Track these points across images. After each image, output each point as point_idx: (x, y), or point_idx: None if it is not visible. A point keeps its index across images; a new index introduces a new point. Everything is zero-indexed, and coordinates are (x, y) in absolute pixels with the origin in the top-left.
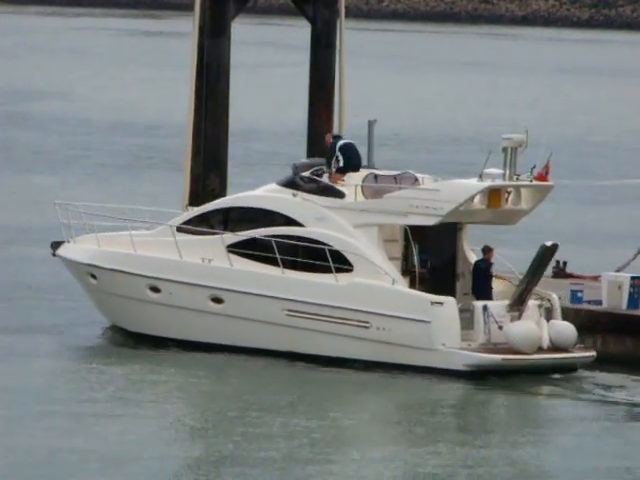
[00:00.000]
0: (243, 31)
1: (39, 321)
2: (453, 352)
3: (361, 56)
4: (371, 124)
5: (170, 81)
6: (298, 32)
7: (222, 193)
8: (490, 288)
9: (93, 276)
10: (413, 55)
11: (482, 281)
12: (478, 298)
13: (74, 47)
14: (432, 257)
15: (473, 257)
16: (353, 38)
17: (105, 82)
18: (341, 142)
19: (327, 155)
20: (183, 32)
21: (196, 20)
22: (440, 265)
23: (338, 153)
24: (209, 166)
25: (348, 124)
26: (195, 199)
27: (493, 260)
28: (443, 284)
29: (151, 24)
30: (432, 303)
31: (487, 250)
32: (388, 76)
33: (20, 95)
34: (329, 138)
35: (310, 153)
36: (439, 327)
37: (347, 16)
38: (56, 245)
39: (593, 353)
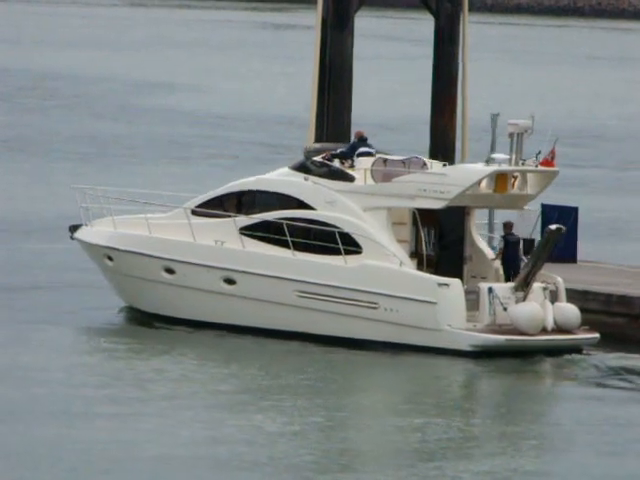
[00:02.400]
0: (366, 24)
1: (58, 304)
2: (458, 332)
3: (484, 50)
4: (494, 117)
5: (292, 74)
6: (421, 25)
7: None
8: (520, 259)
9: (110, 258)
10: (536, 49)
11: (513, 253)
12: (510, 270)
13: (199, 39)
14: (440, 240)
15: (481, 241)
16: (476, 32)
17: (229, 74)
18: (362, 149)
19: (347, 149)
20: (307, 25)
21: (319, 13)
22: (448, 248)
23: (355, 158)
24: None
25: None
26: None
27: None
28: (451, 267)
29: (275, 17)
30: (438, 284)
31: (508, 225)
32: (511, 70)
33: (144, 87)
34: (358, 135)
35: (433, 146)
36: (445, 308)
37: (470, 10)
38: (74, 228)
39: (597, 335)
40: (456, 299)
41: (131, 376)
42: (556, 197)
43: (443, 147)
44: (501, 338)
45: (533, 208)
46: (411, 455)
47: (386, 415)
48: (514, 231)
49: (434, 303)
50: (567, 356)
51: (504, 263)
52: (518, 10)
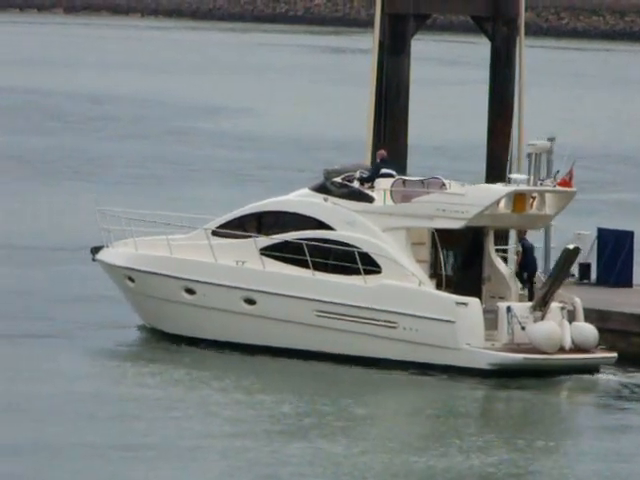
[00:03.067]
0: (423, 48)
1: (79, 323)
2: (477, 351)
3: (540, 74)
4: (550, 141)
5: (349, 98)
6: (478, 49)
7: None
8: (536, 264)
9: (131, 279)
10: (592, 73)
11: (530, 256)
12: (527, 272)
13: (257, 63)
14: (459, 261)
15: (499, 261)
16: (532, 55)
17: (285, 98)
18: (385, 171)
19: (371, 171)
20: (364, 49)
21: (376, 37)
22: (467, 269)
23: (377, 179)
24: None
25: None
26: None
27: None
28: (470, 287)
29: (332, 40)
30: (457, 304)
31: (522, 230)
32: (567, 93)
33: (200, 110)
34: (380, 156)
35: (489, 168)
36: (464, 327)
37: (526, 33)
38: (95, 250)
39: (615, 354)
40: (475, 318)
41: (151, 394)
42: (613, 222)
43: (499, 170)
44: (519, 357)
45: (589, 232)
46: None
47: (400, 435)
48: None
49: (453, 322)
50: (586, 376)
51: (521, 268)
52: (574, 34)
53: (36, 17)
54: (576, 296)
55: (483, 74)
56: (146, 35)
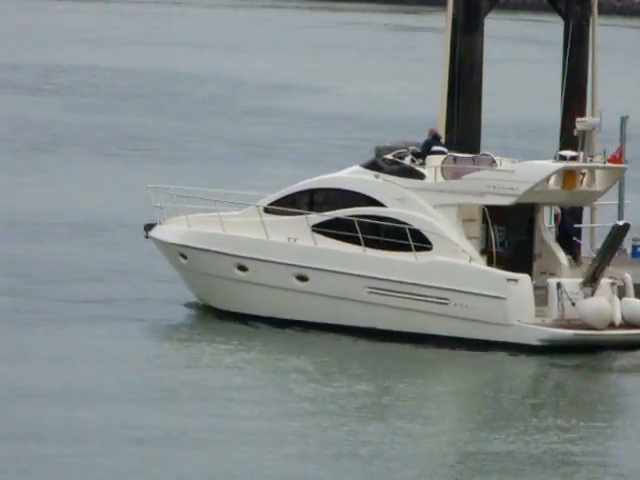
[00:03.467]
0: (496, 26)
1: (132, 299)
2: (527, 327)
3: (613, 52)
4: (624, 120)
5: (422, 77)
6: (551, 28)
7: None
8: (573, 224)
9: (184, 256)
10: None
11: (567, 217)
12: (565, 232)
13: (328, 41)
14: (510, 237)
15: (550, 237)
16: (605, 34)
17: (357, 76)
18: (435, 147)
19: (422, 148)
20: (437, 27)
21: (449, 16)
22: (518, 245)
23: (428, 155)
24: None
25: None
26: None
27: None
28: (521, 263)
29: (405, 19)
30: (507, 280)
31: None
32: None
33: (278, 89)
34: (431, 133)
35: (563, 148)
36: (514, 303)
37: (600, 12)
38: (149, 227)
39: None
40: (525, 294)
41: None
42: None
43: (573, 149)
44: (569, 332)
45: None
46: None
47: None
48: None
49: (503, 298)
50: (638, 352)
51: (560, 230)
52: None
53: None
54: (627, 272)
55: (556, 53)
56: (224, 14)
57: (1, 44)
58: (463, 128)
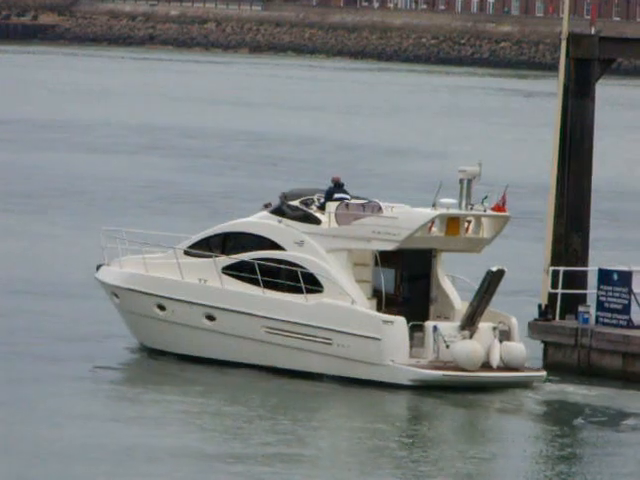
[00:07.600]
0: (608, 92)
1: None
2: (400, 367)
3: None
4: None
5: (534, 141)
6: None
7: (584, 253)
8: None
9: (116, 295)
10: None
11: None
12: None
13: (442, 105)
14: (406, 281)
15: (448, 283)
16: None
17: (469, 139)
18: (338, 195)
19: (325, 194)
20: (549, 92)
21: (561, 80)
22: (413, 289)
23: (329, 203)
24: (571, 226)
25: None
26: (557, 259)
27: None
28: (416, 307)
29: (517, 83)
30: (383, 322)
31: None
32: None
33: (388, 152)
34: (334, 180)
35: None
36: (389, 344)
37: None
38: (99, 268)
39: (543, 373)
40: (399, 336)
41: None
42: None
43: None
44: (439, 373)
45: None
46: None
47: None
48: None
49: (379, 339)
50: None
51: None
52: None
53: (222, 56)
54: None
55: None
56: (329, 75)
57: None
58: (574, 191)
